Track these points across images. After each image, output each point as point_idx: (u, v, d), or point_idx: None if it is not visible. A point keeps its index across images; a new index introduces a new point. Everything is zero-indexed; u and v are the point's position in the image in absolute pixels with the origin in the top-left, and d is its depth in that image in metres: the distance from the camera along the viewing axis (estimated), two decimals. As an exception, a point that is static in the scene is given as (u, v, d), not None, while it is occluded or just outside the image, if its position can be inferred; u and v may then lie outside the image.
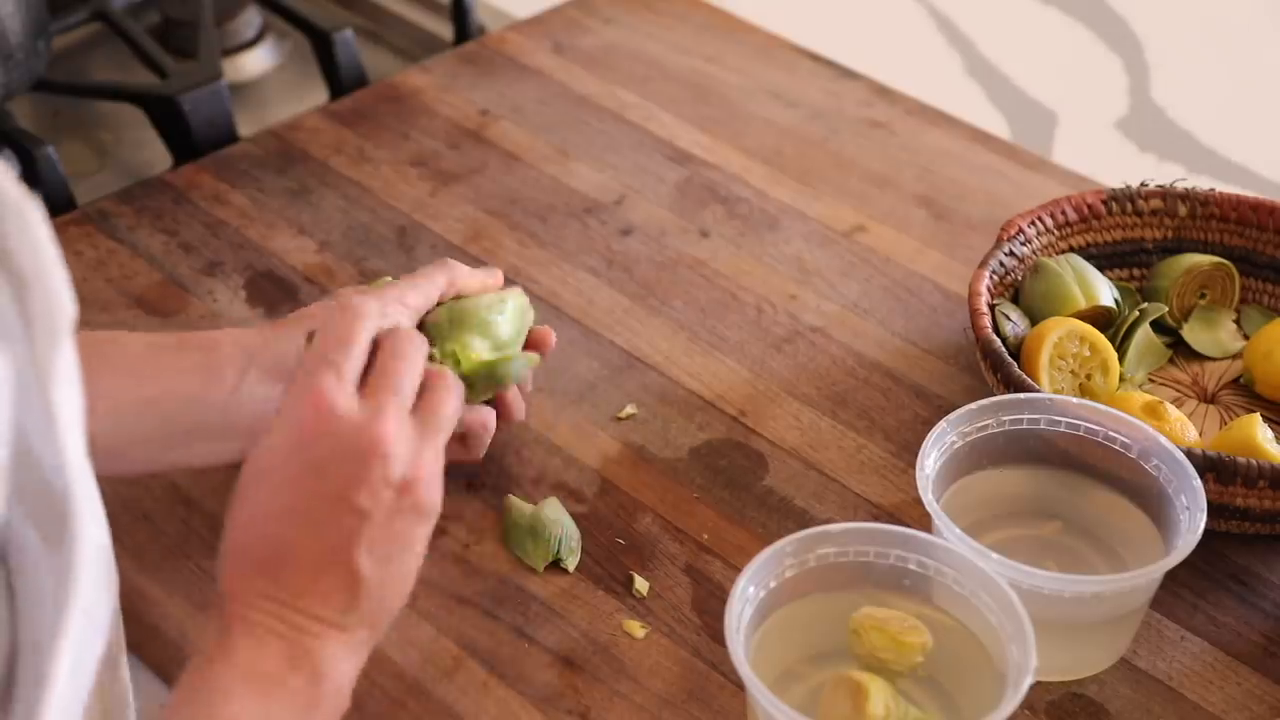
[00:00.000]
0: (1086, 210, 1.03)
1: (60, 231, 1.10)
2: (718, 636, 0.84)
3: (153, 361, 0.82)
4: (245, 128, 1.24)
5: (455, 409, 0.74)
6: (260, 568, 0.69)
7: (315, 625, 0.69)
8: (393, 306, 0.79)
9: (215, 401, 0.81)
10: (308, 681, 0.68)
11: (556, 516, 0.89)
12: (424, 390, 0.74)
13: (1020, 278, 1.00)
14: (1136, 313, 1.00)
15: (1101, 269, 1.02)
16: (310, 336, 0.76)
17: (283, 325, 0.84)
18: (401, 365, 0.72)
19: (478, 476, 0.93)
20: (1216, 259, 1.02)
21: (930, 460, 0.83)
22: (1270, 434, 0.90)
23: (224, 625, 0.68)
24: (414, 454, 0.71)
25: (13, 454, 0.55)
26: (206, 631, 0.69)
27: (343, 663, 0.70)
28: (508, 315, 0.87)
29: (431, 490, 0.71)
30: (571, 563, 0.88)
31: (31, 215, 0.55)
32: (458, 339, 0.84)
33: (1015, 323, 0.97)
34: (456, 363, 0.83)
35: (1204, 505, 0.80)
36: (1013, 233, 1.00)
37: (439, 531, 0.89)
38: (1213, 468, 0.85)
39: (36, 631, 0.58)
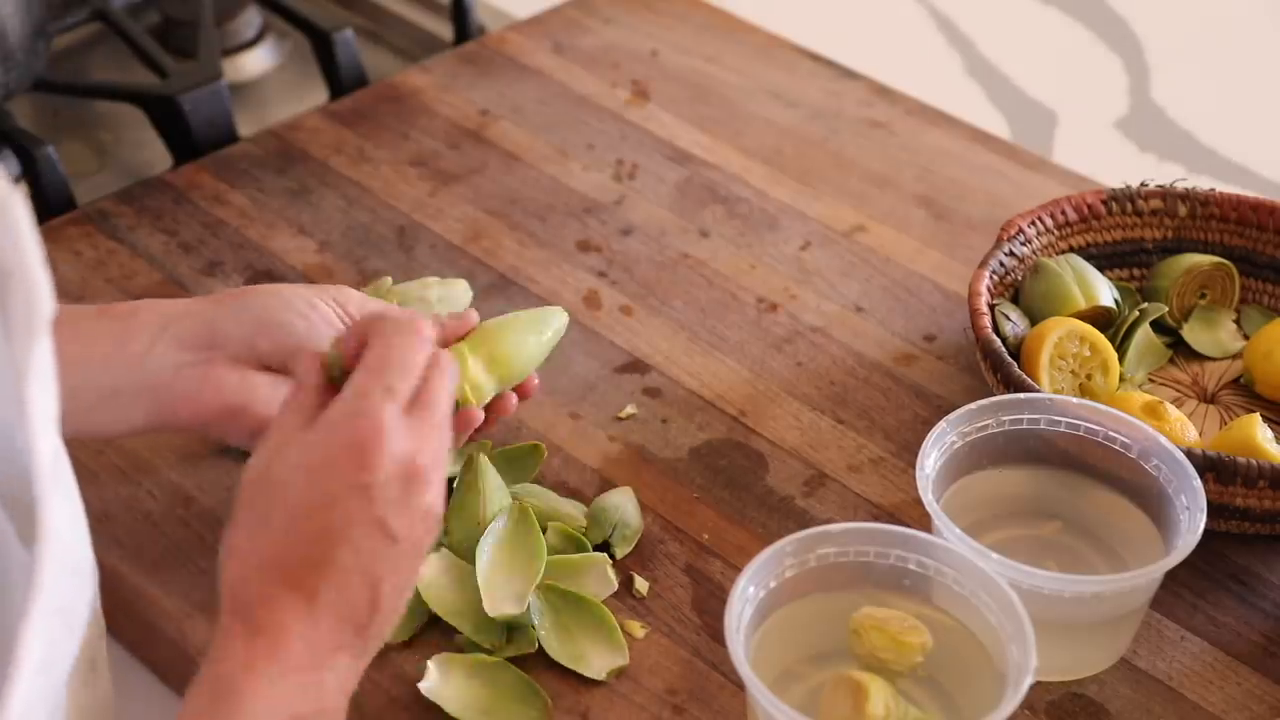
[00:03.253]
0: (1086, 210, 1.03)
1: (60, 231, 1.11)
2: (718, 636, 0.84)
3: (69, 328, 0.82)
4: (245, 128, 1.24)
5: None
6: (289, 580, 0.67)
7: (333, 652, 0.67)
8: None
9: (124, 365, 0.81)
10: (315, 711, 0.67)
11: (619, 503, 0.90)
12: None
13: (1020, 278, 1.00)
14: (1136, 313, 1.00)
15: (1101, 269, 1.02)
16: (336, 343, 0.75)
17: (210, 299, 0.85)
18: (443, 396, 0.72)
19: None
20: (1216, 259, 1.02)
21: (930, 460, 0.83)
22: (1270, 434, 0.90)
23: (247, 644, 0.66)
24: (440, 483, 0.71)
25: None
26: (219, 640, 0.67)
27: (347, 685, 0.69)
28: (539, 349, 0.87)
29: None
30: (621, 551, 0.88)
31: (14, 208, 0.54)
32: (466, 374, 0.84)
33: (1015, 323, 0.97)
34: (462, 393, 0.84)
35: (1204, 505, 0.80)
36: (1013, 233, 1.00)
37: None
38: (1213, 468, 0.85)
39: (6, 627, 0.58)
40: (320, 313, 0.84)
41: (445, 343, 0.85)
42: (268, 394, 0.83)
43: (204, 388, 0.82)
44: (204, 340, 0.82)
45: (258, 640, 0.66)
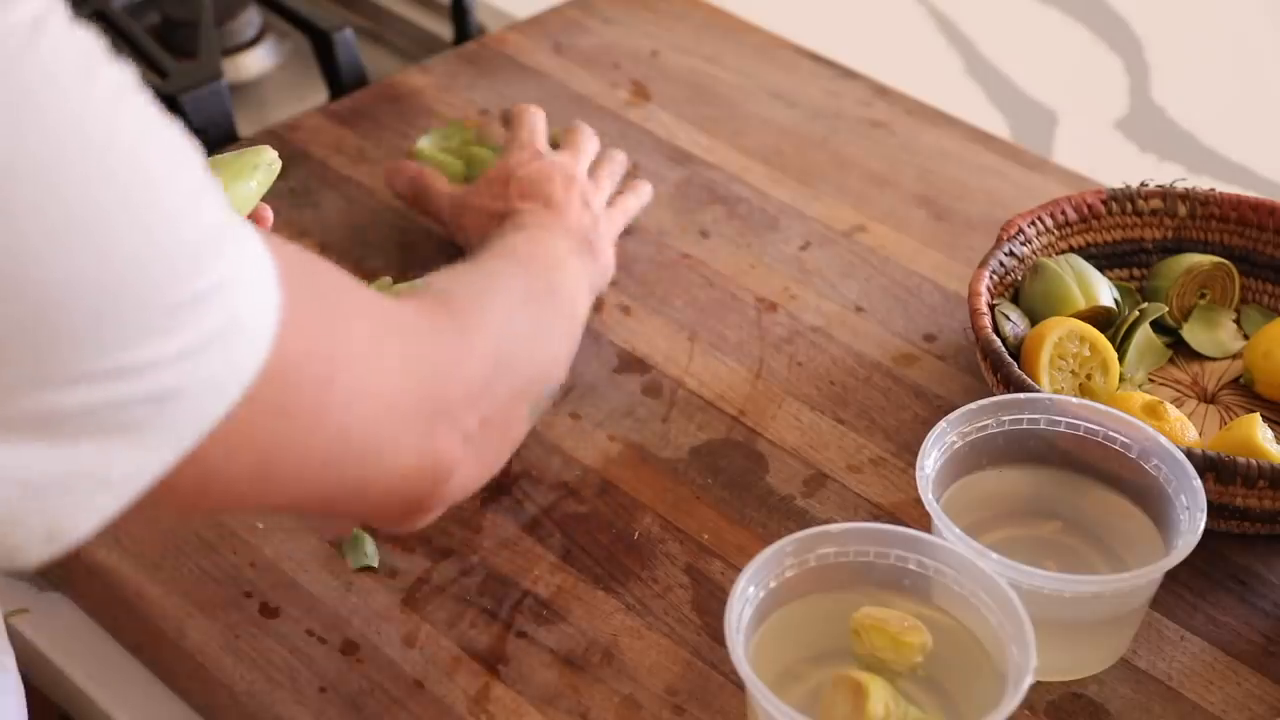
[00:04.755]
0: (1086, 210, 1.03)
1: (60, 231, 1.10)
2: (718, 636, 0.84)
3: None
4: (245, 128, 1.24)
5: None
6: (530, 193, 1.00)
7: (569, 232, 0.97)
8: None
9: None
10: (589, 256, 0.98)
11: None
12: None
13: (1020, 278, 1.00)
14: (1136, 313, 1.00)
15: (1101, 269, 1.02)
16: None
17: None
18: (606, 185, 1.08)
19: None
20: (1216, 259, 1.02)
21: (930, 460, 0.83)
22: (1270, 434, 0.90)
23: (543, 210, 0.99)
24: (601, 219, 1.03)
25: None
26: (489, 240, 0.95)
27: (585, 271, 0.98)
28: (250, 193, 0.86)
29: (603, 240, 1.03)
30: None
31: None
32: None
33: (1015, 323, 0.97)
34: None
35: (1204, 505, 0.80)
36: (1013, 233, 1.00)
37: (438, 530, 0.89)
38: (1213, 468, 0.85)
39: None
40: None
41: None
42: None
43: None
44: None
45: (551, 208, 0.98)
